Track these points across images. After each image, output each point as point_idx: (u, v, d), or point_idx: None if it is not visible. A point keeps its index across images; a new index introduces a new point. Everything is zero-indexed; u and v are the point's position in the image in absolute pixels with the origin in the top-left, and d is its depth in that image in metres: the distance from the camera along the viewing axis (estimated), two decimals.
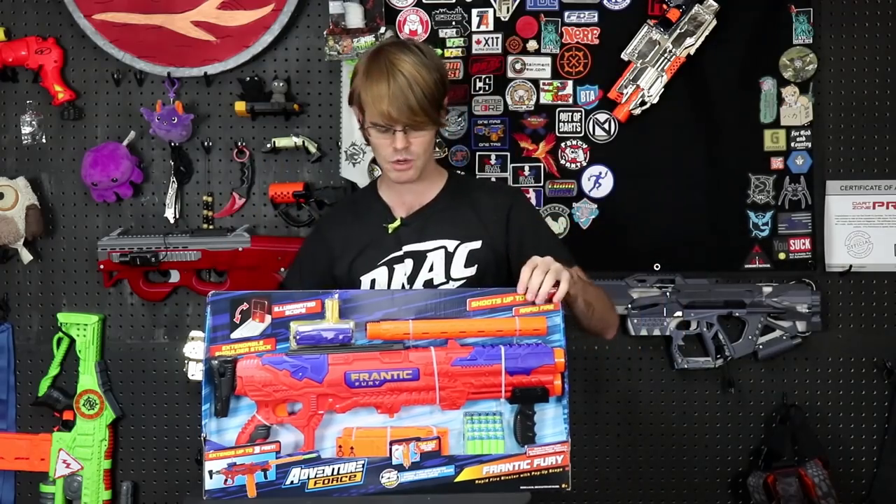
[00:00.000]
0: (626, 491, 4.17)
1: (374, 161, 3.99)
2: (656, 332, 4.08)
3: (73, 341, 4.13)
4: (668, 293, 4.06)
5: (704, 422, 4.15)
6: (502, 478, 2.70)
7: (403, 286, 3.17)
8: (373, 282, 3.21)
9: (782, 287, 4.08)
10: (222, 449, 2.71)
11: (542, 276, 2.85)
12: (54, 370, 4.14)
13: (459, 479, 2.70)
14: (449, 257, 3.20)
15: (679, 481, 4.16)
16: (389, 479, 2.69)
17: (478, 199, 3.29)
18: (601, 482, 4.15)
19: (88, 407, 4.09)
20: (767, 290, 4.07)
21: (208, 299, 2.87)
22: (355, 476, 2.68)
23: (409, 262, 3.20)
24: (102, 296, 4.17)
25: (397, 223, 3.24)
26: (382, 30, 3.96)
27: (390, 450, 2.71)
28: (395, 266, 3.20)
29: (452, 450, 2.76)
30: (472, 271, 3.19)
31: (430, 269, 3.19)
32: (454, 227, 3.23)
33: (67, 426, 4.11)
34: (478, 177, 4.03)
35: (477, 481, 2.69)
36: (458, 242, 3.21)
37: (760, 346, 4.08)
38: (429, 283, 3.18)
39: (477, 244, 3.20)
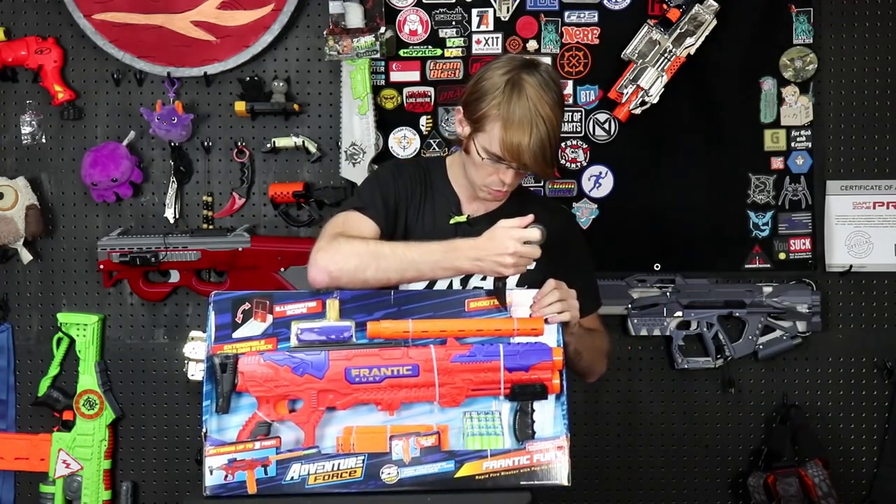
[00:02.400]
0: (626, 491, 4.16)
1: (374, 161, 4.00)
2: (656, 332, 4.08)
3: (73, 341, 4.13)
4: (668, 293, 4.06)
5: (704, 422, 4.15)
6: (502, 473, 2.70)
7: (451, 284, 3.11)
8: None
9: (782, 287, 4.08)
10: (222, 445, 2.71)
11: (555, 300, 2.88)
12: (54, 370, 4.14)
13: (460, 474, 2.68)
14: None
15: (679, 481, 4.16)
16: (390, 474, 2.68)
17: (537, 216, 3.17)
18: (601, 482, 4.15)
19: (88, 407, 4.09)
20: (767, 290, 4.08)
21: (211, 299, 2.87)
22: (355, 472, 2.68)
23: None
24: (102, 296, 4.17)
25: (462, 219, 3.14)
26: (382, 30, 3.97)
27: (390, 445, 2.71)
28: None
29: (452, 446, 2.75)
30: None
31: (483, 278, 3.11)
32: None
33: (67, 426, 4.11)
34: None
35: (477, 477, 2.69)
36: None
37: (760, 346, 4.08)
38: None
39: (531, 264, 3.16)
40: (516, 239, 2.78)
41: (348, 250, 2.89)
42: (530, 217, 2.82)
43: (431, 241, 2.94)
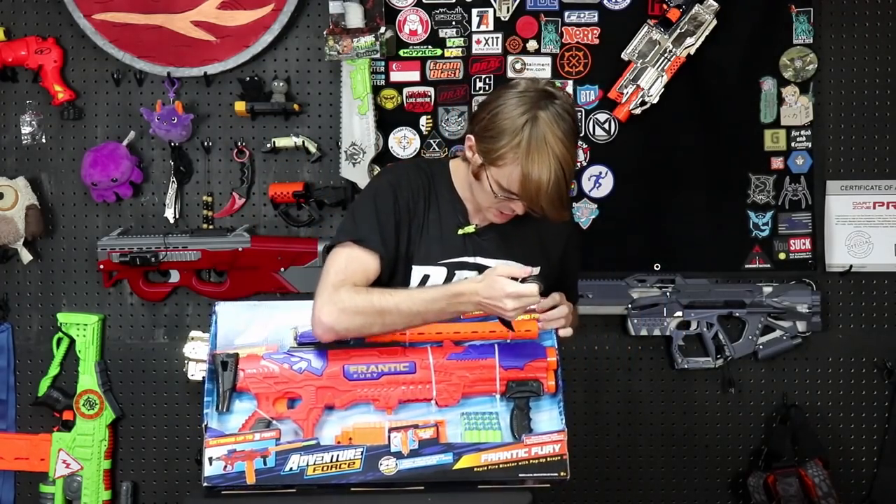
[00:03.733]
0: (626, 491, 4.17)
1: (374, 161, 4.00)
2: (656, 332, 4.08)
3: (73, 341, 4.13)
4: (668, 293, 4.07)
5: (704, 422, 4.15)
6: (501, 465, 2.70)
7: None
8: (426, 277, 3.03)
9: (782, 287, 4.08)
10: (222, 436, 2.71)
11: (560, 315, 2.90)
12: (54, 370, 4.15)
13: (458, 466, 2.68)
14: None
15: (679, 481, 4.16)
16: (388, 465, 2.68)
17: (540, 220, 3.07)
18: (601, 482, 4.15)
19: (88, 407, 4.09)
20: (767, 290, 4.08)
21: (215, 308, 2.90)
22: (354, 463, 2.68)
23: (472, 275, 3.00)
24: (102, 296, 4.17)
25: (471, 229, 3.06)
26: (382, 30, 3.97)
27: (389, 437, 2.71)
28: (457, 271, 3.04)
29: (450, 438, 2.75)
30: None
31: None
32: (521, 251, 3.06)
33: (67, 426, 4.11)
34: None
35: (476, 468, 2.69)
36: None
37: (760, 346, 4.08)
38: None
39: (535, 271, 3.11)
40: (514, 297, 2.72)
41: (353, 308, 2.81)
42: (527, 270, 2.76)
43: (433, 288, 2.92)
